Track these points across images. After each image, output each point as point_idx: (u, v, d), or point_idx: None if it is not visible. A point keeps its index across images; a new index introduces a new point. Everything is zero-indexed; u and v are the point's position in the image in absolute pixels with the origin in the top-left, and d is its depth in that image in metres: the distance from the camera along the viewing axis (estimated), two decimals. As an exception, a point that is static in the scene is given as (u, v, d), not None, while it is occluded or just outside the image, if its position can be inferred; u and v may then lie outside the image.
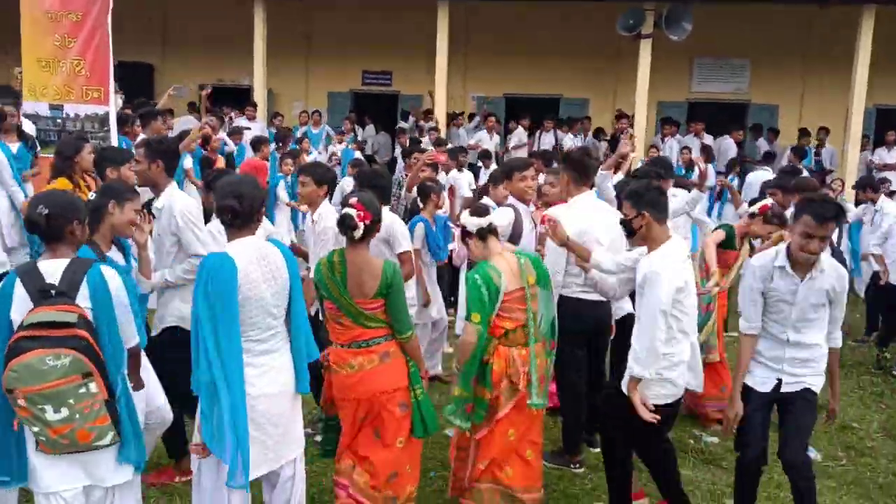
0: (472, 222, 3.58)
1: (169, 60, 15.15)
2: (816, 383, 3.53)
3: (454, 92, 13.56)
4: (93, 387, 2.60)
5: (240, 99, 13.46)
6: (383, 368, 3.33)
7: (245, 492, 2.98)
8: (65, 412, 2.56)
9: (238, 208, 2.93)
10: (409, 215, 6.13)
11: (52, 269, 2.69)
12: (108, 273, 2.77)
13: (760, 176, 9.24)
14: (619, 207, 3.95)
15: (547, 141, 12.64)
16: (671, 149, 12.26)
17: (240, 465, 2.82)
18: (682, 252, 3.52)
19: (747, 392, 3.57)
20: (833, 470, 4.68)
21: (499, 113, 13.91)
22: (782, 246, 3.51)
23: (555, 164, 6.42)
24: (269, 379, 2.97)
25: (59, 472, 2.71)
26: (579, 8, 12.80)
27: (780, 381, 3.53)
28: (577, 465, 4.45)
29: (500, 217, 4.37)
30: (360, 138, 13.69)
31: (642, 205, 3.48)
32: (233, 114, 12.87)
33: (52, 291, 2.63)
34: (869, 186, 7.49)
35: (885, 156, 11.99)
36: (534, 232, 4.67)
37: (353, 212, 3.22)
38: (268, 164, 8.80)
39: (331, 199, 4.77)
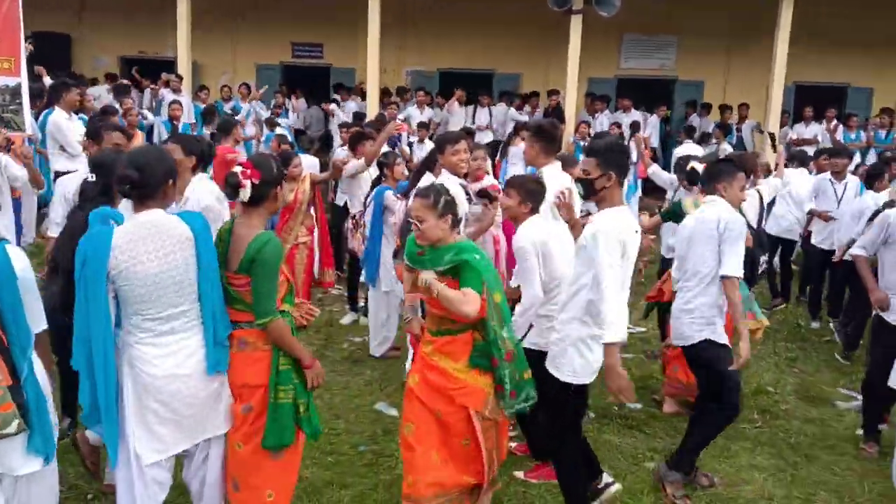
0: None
1: (86, 31, 14.51)
2: None
3: (388, 66, 13.42)
4: None
5: (161, 71, 12.98)
6: (238, 358, 2.99)
7: (163, 471, 2.92)
8: None
9: (136, 179, 2.75)
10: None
11: None
12: (14, 253, 2.63)
13: (684, 149, 9.41)
14: None
15: (482, 117, 12.67)
16: (601, 125, 12.47)
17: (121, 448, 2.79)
18: (633, 218, 3.49)
19: None
20: (749, 432, 4.90)
21: (433, 87, 13.84)
22: None
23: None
24: (178, 360, 2.82)
25: None
26: (511, -18, 12.82)
27: None
28: None
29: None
30: (290, 112, 13.44)
31: (611, 164, 3.34)
32: (153, 87, 12.46)
33: None
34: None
35: (802, 131, 12.48)
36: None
37: (238, 169, 2.95)
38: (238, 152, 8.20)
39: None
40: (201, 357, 2.88)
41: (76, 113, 7.97)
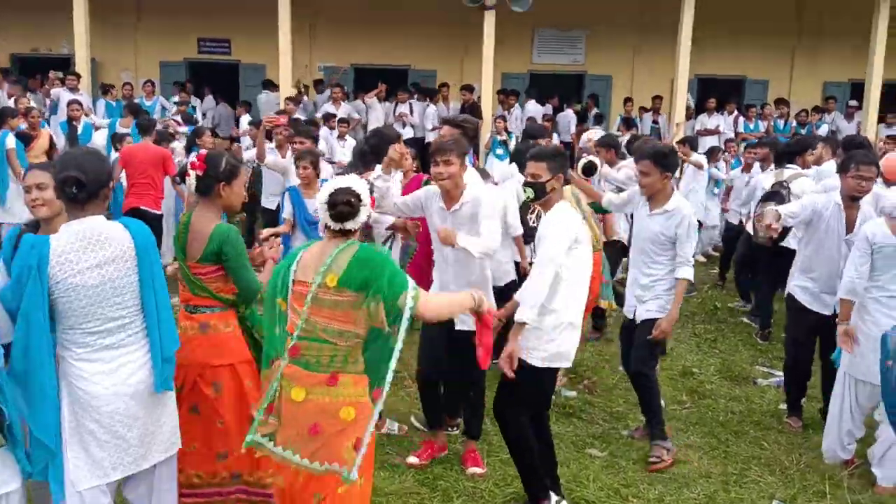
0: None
1: (-28, 27, 13.56)
2: None
3: (300, 62, 13.14)
4: None
5: (57, 70, 12.27)
6: (199, 340, 3.14)
7: (104, 496, 2.70)
8: None
9: (83, 180, 2.59)
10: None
11: None
12: None
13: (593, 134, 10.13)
14: None
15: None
16: (517, 118, 12.62)
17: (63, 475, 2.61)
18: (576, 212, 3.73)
19: None
20: (679, 413, 5.06)
21: (347, 83, 13.64)
22: None
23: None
24: (119, 377, 2.66)
25: None
26: (424, -23, 12.79)
27: None
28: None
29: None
30: (198, 110, 12.97)
31: (558, 168, 3.59)
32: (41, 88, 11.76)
33: None
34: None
35: (706, 122, 13.02)
36: None
37: (190, 159, 3.17)
38: (170, 154, 7.75)
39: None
40: (146, 374, 2.73)
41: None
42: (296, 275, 2.73)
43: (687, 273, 4.20)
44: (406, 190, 4.47)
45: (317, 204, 2.76)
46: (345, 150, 9.53)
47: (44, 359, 2.53)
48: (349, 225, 2.71)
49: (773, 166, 6.89)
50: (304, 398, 2.65)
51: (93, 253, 2.60)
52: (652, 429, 4.37)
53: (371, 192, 2.92)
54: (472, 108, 12.35)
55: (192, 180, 3.14)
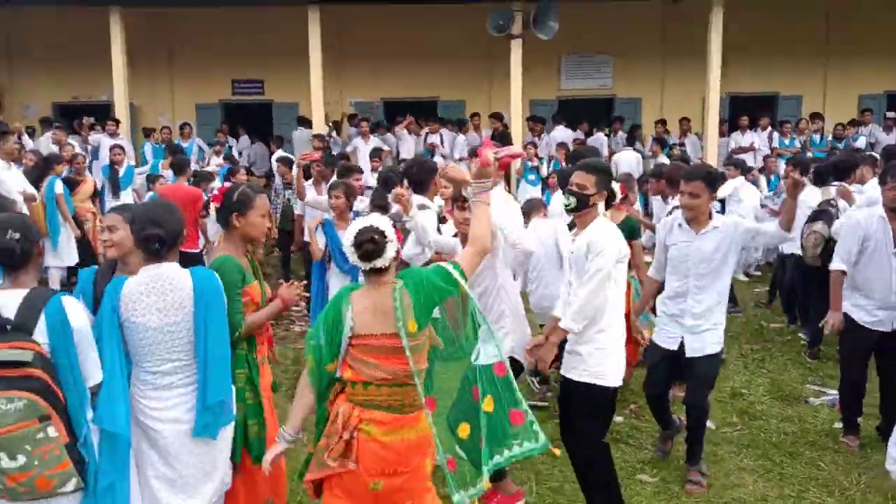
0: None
1: (17, 77, 14.05)
2: None
3: (331, 98, 13.36)
4: (51, 431, 2.40)
5: (97, 116, 12.65)
6: None
7: None
8: (21, 459, 2.36)
9: (163, 235, 2.77)
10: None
11: (8, 300, 2.48)
12: (70, 305, 2.56)
13: (625, 155, 11.20)
14: None
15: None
16: (547, 145, 12.63)
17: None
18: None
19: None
20: (730, 435, 4.93)
21: (378, 116, 13.80)
22: None
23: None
24: (173, 415, 2.78)
25: None
26: (450, 10, 12.94)
27: None
28: None
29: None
30: (234, 150, 13.24)
31: (603, 185, 3.60)
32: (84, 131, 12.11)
33: (7, 326, 2.42)
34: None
35: (740, 139, 12.89)
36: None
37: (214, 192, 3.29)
38: (202, 193, 7.81)
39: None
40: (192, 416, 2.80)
41: (13, 162, 7.69)
42: (354, 331, 2.68)
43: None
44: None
45: (344, 245, 2.76)
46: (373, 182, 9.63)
47: (118, 394, 2.64)
48: (378, 263, 2.68)
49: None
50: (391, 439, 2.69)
51: (156, 297, 2.74)
52: (695, 455, 4.24)
53: (403, 227, 3.00)
54: (502, 137, 12.41)
55: (211, 213, 3.25)
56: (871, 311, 4.57)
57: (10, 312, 2.45)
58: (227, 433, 2.91)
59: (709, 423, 4.99)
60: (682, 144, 13.01)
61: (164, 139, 12.36)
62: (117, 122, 11.98)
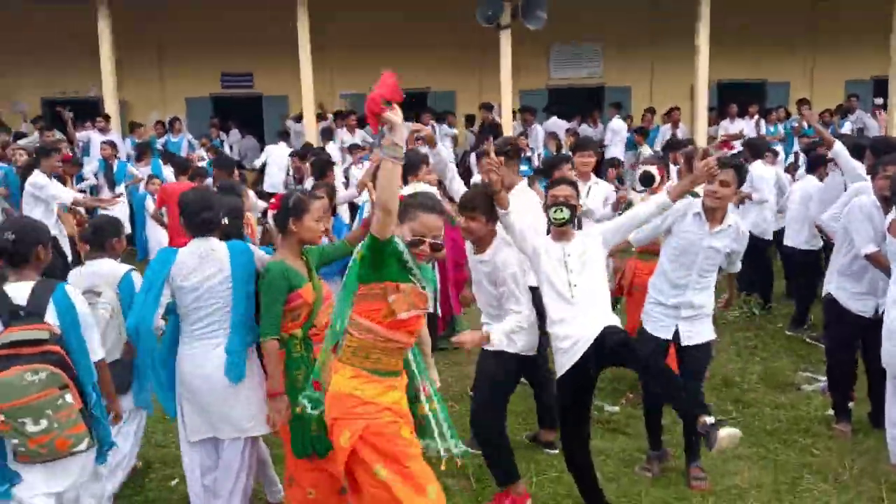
0: None
1: (3, 72, 13.92)
2: None
3: (321, 91, 13.32)
4: (69, 398, 2.83)
5: (85, 111, 12.58)
6: None
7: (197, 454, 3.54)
8: (44, 423, 2.78)
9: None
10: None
11: (19, 290, 2.89)
12: (73, 293, 3.01)
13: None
14: None
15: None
16: (537, 135, 12.68)
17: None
18: None
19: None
20: (725, 423, 4.99)
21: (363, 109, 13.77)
22: None
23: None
24: (199, 362, 3.37)
25: (34, 479, 2.91)
26: (440, 0, 12.91)
27: None
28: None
29: None
30: (225, 144, 13.21)
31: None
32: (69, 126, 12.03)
33: (21, 312, 2.83)
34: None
35: (729, 127, 12.96)
36: None
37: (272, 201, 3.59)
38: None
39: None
40: (219, 364, 3.35)
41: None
42: None
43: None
44: None
45: None
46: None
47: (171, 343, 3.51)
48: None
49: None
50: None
51: (199, 263, 3.35)
52: (695, 450, 4.25)
53: None
54: (492, 128, 12.44)
55: (269, 220, 3.45)
56: (857, 296, 4.65)
57: (22, 300, 2.86)
58: (245, 388, 3.41)
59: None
60: (674, 135, 13.01)
61: (158, 135, 12.35)
62: (107, 117, 11.93)
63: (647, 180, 5.53)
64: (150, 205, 8.63)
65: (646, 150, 11.75)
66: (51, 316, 2.88)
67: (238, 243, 3.47)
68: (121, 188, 9.71)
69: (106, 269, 3.88)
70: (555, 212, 3.66)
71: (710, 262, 4.03)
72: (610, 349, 3.44)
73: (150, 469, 4.49)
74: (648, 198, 4.97)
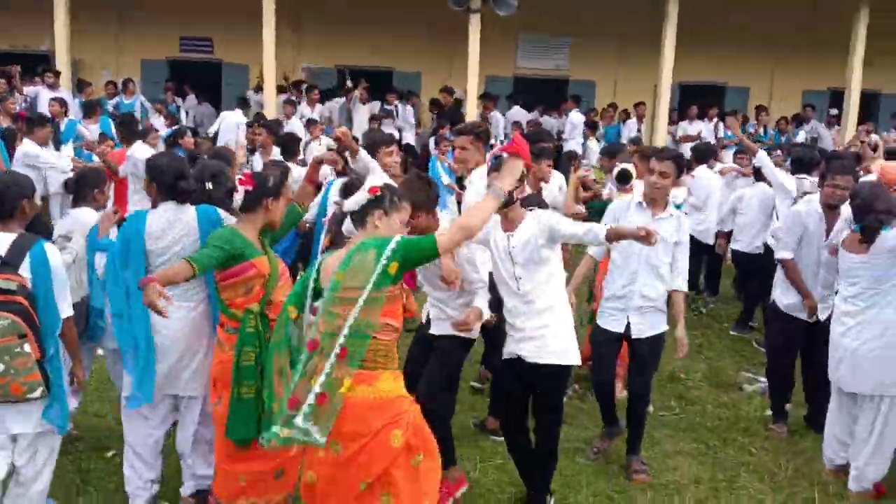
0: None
1: (-53, 21, 13.32)
2: None
3: (283, 62, 13.06)
4: (26, 347, 2.96)
5: (34, 67, 12.08)
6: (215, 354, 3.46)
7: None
8: (0, 367, 2.93)
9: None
10: None
11: (1, 241, 3.02)
12: (50, 249, 3.12)
13: None
14: None
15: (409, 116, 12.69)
16: (497, 123, 12.65)
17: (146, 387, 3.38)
18: None
19: None
20: (668, 419, 5.10)
21: (328, 83, 13.58)
22: None
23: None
24: (161, 321, 3.26)
25: None
26: (411, -21, 12.78)
27: None
28: None
29: None
30: (181, 110, 12.85)
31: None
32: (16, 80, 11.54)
33: None
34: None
35: (688, 128, 13.15)
36: None
37: (238, 176, 3.34)
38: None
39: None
40: (181, 325, 3.38)
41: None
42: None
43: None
44: None
45: None
46: (321, 150, 9.51)
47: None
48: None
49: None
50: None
51: (169, 229, 3.36)
52: (637, 443, 4.33)
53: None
54: (453, 112, 12.39)
55: (239, 197, 3.26)
56: (796, 301, 4.76)
57: (2, 251, 3.00)
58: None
59: (648, 408, 5.18)
60: (639, 130, 13.11)
61: (108, 94, 11.91)
62: (57, 73, 11.46)
63: (623, 178, 5.53)
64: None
65: (592, 144, 11.89)
66: (25, 269, 3.01)
67: (208, 208, 3.44)
68: (68, 147, 9.31)
69: (82, 218, 3.99)
70: None
71: (660, 252, 4.06)
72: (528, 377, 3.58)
73: (81, 440, 4.35)
74: (623, 195, 5.02)
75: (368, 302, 2.67)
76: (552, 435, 3.72)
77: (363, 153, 4.26)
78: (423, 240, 2.79)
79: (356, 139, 5.96)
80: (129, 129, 7.42)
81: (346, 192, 3.28)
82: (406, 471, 2.77)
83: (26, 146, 7.07)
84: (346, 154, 4.57)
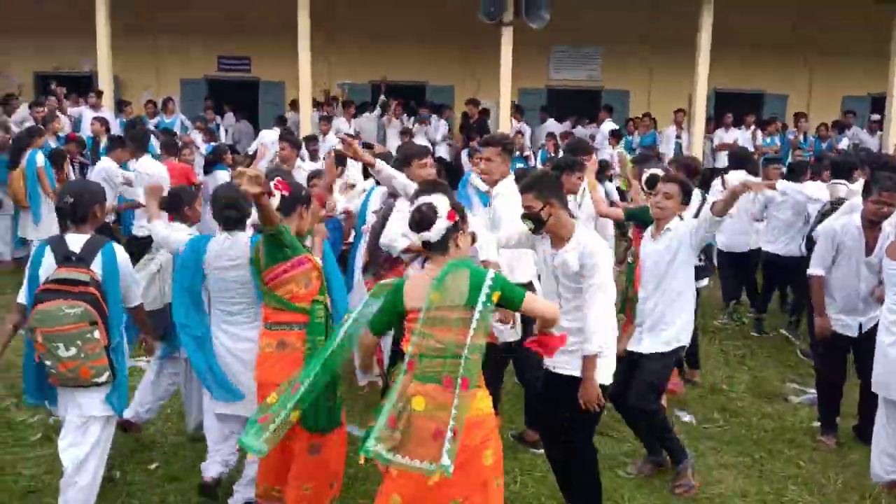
0: None
1: (-3, 44, 13.77)
2: None
3: (318, 79, 13.23)
4: (96, 333, 3.26)
5: (79, 87, 12.41)
6: (275, 358, 3.41)
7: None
8: (73, 351, 3.23)
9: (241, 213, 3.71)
10: None
11: (76, 240, 3.39)
12: (118, 249, 3.48)
13: None
14: None
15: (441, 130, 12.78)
16: (525, 135, 12.62)
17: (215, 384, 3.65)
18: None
19: None
20: (712, 431, 5.00)
21: (365, 99, 13.71)
22: None
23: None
24: (230, 342, 3.64)
25: (65, 400, 3.41)
26: (442, -6, 12.88)
27: None
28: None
29: None
30: (221, 128, 13.08)
31: (548, 193, 3.43)
32: (68, 103, 11.87)
33: (73, 258, 3.33)
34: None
35: (724, 136, 12.96)
36: None
37: (273, 181, 3.42)
38: (191, 168, 8.17)
39: None
40: (249, 346, 3.60)
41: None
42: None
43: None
44: None
45: None
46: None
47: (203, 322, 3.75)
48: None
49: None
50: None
51: (225, 252, 3.61)
52: (672, 455, 4.22)
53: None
54: (480, 124, 12.41)
55: (275, 200, 3.37)
56: (834, 315, 4.66)
57: (77, 248, 3.36)
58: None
59: (690, 418, 5.10)
60: (678, 138, 12.88)
61: (148, 114, 12.19)
62: (100, 93, 11.76)
63: (652, 183, 5.48)
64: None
65: (614, 154, 11.74)
66: (96, 265, 3.35)
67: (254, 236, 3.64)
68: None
69: (174, 235, 4.21)
70: (524, 220, 3.55)
71: (665, 267, 4.04)
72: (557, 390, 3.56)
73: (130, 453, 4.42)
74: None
75: (479, 327, 2.72)
76: (582, 457, 3.63)
77: (381, 164, 4.22)
78: (518, 290, 2.88)
79: (390, 154, 5.98)
80: (170, 144, 7.65)
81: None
82: (490, 493, 2.82)
83: (104, 163, 7.67)
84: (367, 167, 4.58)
